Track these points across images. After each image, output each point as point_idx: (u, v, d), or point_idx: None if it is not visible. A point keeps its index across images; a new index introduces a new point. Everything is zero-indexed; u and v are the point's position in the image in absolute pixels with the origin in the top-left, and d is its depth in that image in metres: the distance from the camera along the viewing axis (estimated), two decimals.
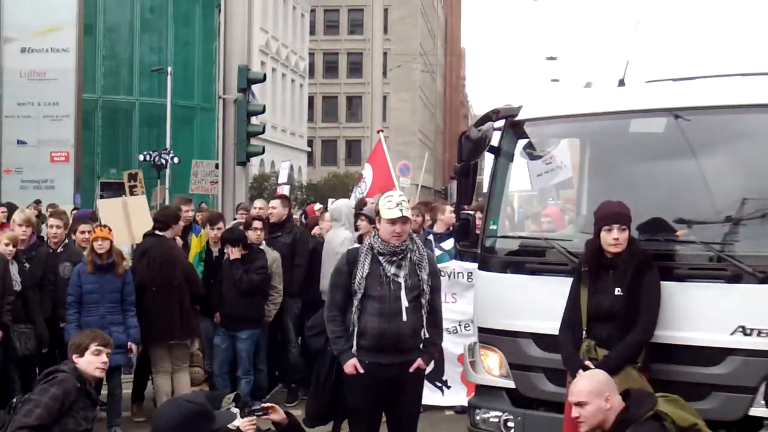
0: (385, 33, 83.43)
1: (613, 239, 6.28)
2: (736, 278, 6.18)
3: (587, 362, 6.22)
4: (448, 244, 10.65)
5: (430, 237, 10.90)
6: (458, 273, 9.77)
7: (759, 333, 6.03)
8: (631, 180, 7.15)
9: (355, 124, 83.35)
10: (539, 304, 6.88)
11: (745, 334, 6.09)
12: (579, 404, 5.37)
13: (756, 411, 6.03)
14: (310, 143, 72.63)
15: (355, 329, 7.03)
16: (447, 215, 11.05)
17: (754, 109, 6.58)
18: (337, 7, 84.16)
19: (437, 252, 10.62)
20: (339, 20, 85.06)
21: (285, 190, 22.89)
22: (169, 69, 38.09)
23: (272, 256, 10.68)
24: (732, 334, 6.13)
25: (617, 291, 6.31)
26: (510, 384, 7.10)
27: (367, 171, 15.14)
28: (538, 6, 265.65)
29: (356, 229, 10.93)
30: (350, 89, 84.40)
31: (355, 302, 7.02)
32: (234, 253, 10.29)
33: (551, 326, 6.64)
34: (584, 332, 6.38)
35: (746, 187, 6.52)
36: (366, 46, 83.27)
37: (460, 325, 9.83)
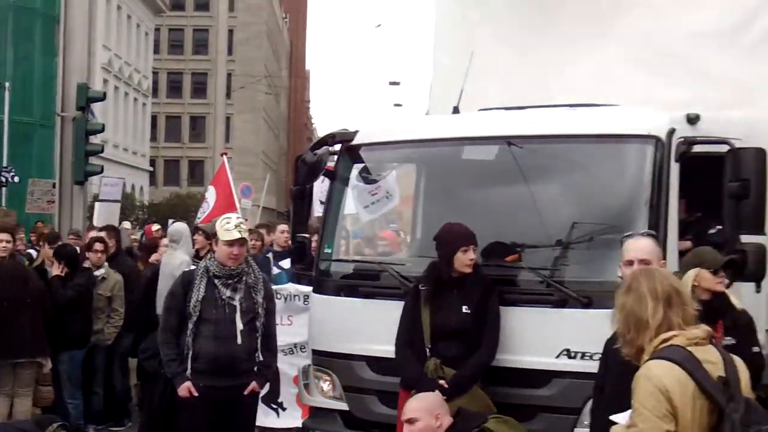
0: (229, 54, 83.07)
1: (470, 260, 6.40)
2: (561, 303, 6.37)
3: (441, 381, 6.27)
4: (287, 263, 10.67)
5: (269, 255, 10.88)
6: (294, 296, 9.77)
7: (582, 356, 6.20)
8: (465, 206, 7.29)
9: (198, 144, 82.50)
10: (373, 327, 6.94)
11: (570, 357, 6.27)
12: (410, 421, 5.44)
13: (580, 431, 6.18)
14: (152, 163, 71.43)
15: (190, 352, 6.97)
16: (277, 235, 11.12)
17: (580, 139, 6.82)
18: (182, 26, 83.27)
19: (275, 270, 10.60)
20: (184, 40, 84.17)
21: (113, 209, 22.05)
22: (7, 84, 36.81)
23: (114, 278, 10.49)
24: (557, 357, 6.30)
25: (465, 309, 6.41)
26: (343, 406, 7.13)
27: (210, 193, 15.08)
28: (382, 31, 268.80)
29: (193, 243, 10.84)
30: (194, 109, 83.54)
31: (190, 325, 6.97)
32: (56, 269, 10.04)
33: (384, 349, 6.70)
34: (428, 351, 6.43)
35: (573, 214, 6.72)
36: (210, 66, 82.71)
37: (296, 347, 9.82)
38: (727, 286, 6.15)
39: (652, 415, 3.80)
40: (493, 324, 6.40)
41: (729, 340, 5.90)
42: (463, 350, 6.39)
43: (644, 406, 3.83)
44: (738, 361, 4.03)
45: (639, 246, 5.53)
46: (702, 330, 3.99)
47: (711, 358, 3.94)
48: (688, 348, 3.91)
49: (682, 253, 6.41)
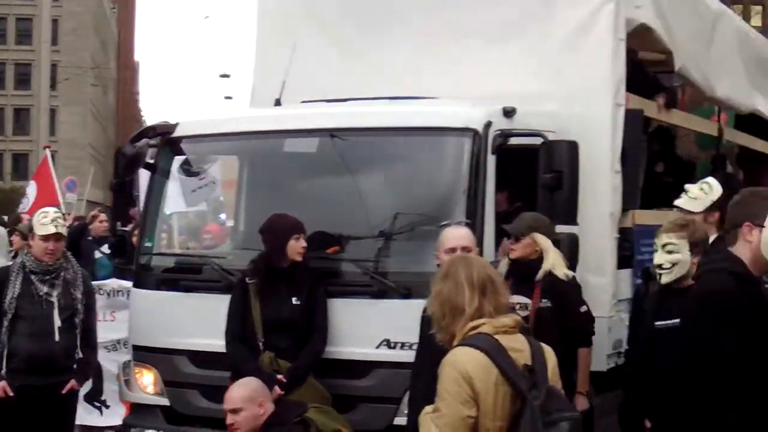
0: (54, 44, 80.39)
1: (302, 247, 6.38)
2: (381, 294, 6.44)
3: (279, 376, 6.23)
4: (106, 248, 10.53)
5: (90, 238, 10.70)
6: (117, 291, 9.58)
7: (402, 346, 6.27)
8: (287, 198, 7.26)
9: (22, 137, 79.94)
10: (194, 321, 6.87)
11: (390, 348, 6.35)
12: (234, 411, 5.42)
13: (400, 420, 6.24)
14: None
15: (5, 351, 6.75)
16: (96, 224, 10.99)
17: (400, 133, 6.91)
18: (5, 15, 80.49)
19: (97, 255, 10.41)
20: (6, 29, 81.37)
21: None
22: None
23: None
24: (378, 347, 6.37)
25: (294, 300, 6.40)
26: (165, 401, 7.03)
27: (31, 188, 14.73)
28: (211, 22, 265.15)
29: (10, 244, 10.51)
30: (18, 101, 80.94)
31: (5, 323, 6.75)
32: None
33: (206, 343, 6.66)
34: (261, 344, 6.39)
35: (393, 206, 6.77)
36: (34, 56, 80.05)
37: (119, 343, 9.62)
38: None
39: (454, 400, 3.86)
40: (322, 314, 6.42)
41: (545, 303, 6.26)
42: (295, 342, 6.39)
43: (447, 391, 3.89)
44: (546, 349, 4.13)
45: (460, 234, 5.65)
46: (511, 319, 4.08)
47: (518, 346, 4.03)
48: (496, 336, 3.98)
49: None
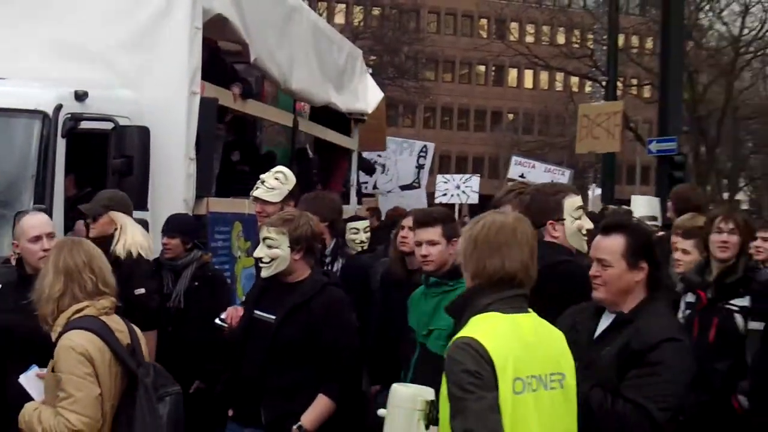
0: None
1: None
2: None
3: None
4: None
5: None
6: None
7: None
8: None
9: None
10: None
11: None
12: None
13: None
14: None
15: None
16: None
17: None
18: None
19: None
20: None
21: None
22: None
23: None
24: None
25: None
26: None
27: None
28: None
29: None
30: None
31: None
32: None
33: None
34: None
35: None
36: None
37: None
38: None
39: (85, 381, 3.97)
40: None
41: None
42: None
43: (75, 374, 3.96)
44: (137, 330, 4.35)
45: (40, 221, 5.46)
46: (109, 300, 4.21)
47: (119, 327, 4.22)
48: (101, 318, 4.13)
49: None
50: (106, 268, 4.31)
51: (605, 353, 4.01)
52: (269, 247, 5.26)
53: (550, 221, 4.71)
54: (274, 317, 5.17)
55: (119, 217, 6.20)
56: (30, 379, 4.30)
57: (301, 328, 5.04)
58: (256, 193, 6.38)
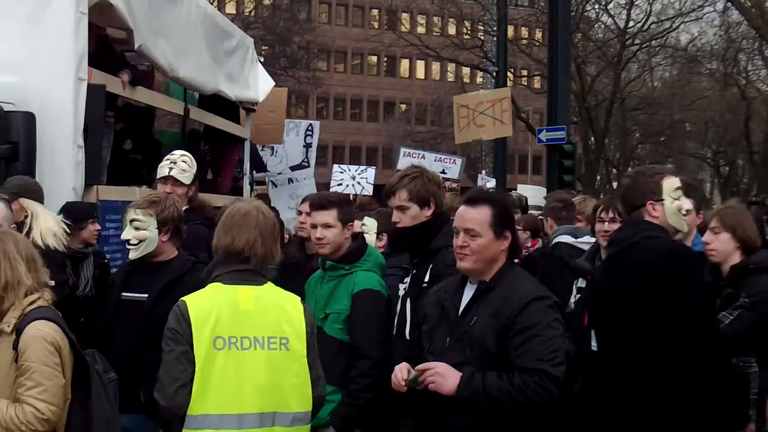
0: None
1: None
2: None
3: None
4: None
5: None
6: None
7: None
8: None
9: None
10: None
11: None
12: None
13: None
14: None
15: None
16: None
17: None
18: None
19: None
20: None
21: None
22: None
23: None
24: None
25: None
26: None
27: None
28: None
29: None
30: None
31: None
32: None
33: None
34: None
35: None
36: None
37: None
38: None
39: (54, 370, 4.04)
40: None
41: None
42: None
43: (44, 364, 4.01)
44: None
45: None
46: (50, 292, 4.30)
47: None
48: (51, 307, 4.23)
49: None
50: (39, 258, 4.36)
51: (474, 324, 4.09)
52: (137, 228, 5.31)
53: (650, 201, 4.76)
54: (145, 296, 5.13)
55: (30, 204, 5.96)
56: None
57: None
58: (172, 172, 6.39)
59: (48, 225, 5.90)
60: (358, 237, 5.49)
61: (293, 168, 16.75)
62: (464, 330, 4.11)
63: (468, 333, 4.09)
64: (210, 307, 4.08)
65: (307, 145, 16.99)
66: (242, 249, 4.15)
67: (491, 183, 18.17)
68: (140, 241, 5.31)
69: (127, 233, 5.35)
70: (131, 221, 5.34)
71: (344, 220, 5.26)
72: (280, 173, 16.55)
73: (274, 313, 4.10)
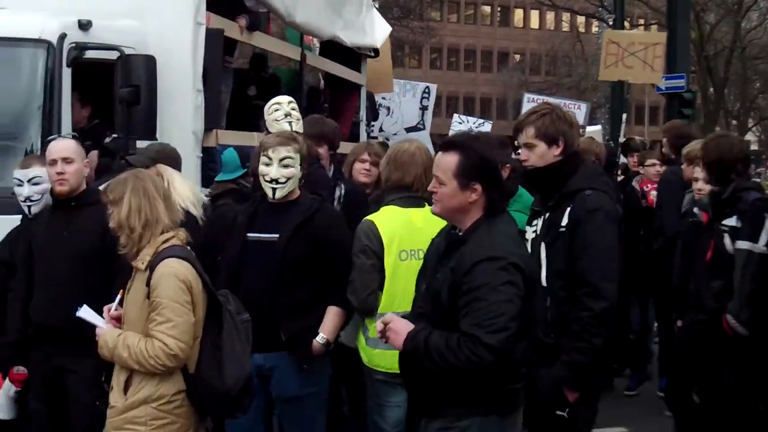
0: None
1: None
2: None
3: None
4: None
5: None
6: None
7: None
8: None
9: None
10: None
11: None
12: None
13: None
14: None
15: None
16: None
17: None
18: None
19: None
20: None
21: None
22: None
23: None
24: None
25: None
26: None
27: None
28: None
29: None
30: None
31: None
32: None
33: None
34: None
35: None
36: None
37: None
38: None
39: (183, 308, 4.11)
40: None
41: None
42: None
43: (175, 300, 4.09)
44: None
45: (62, 146, 5.31)
46: (184, 231, 4.36)
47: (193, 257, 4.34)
48: (186, 247, 4.29)
49: None
50: (173, 198, 4.55)
51: (438, 276, 3.95)
52: (285, 166, 5.19)
53: None
54: (275, 236, 5.10)
55: (166, 170, 5.73)
56: (88, 312, 4.32)
57: (308, 243, 5.09)
58: (296, 127, 6.32)
59: (184, 192, 5.72)
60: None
61: (408, 130, 16.54)
62: (431, 281, 4.01)
63: (432, 284, 3.98)
64: (395, 226, 5.12)
65: (423, 108, 16.76)
66: (412, 183, 5.21)
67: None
68: (288, 179, 5.18)
69: (276, 172, 5.17)
70: (281, 159, 5.16)
71: None
72: (395, 134, 16.35)
73: (437, 229, 4.33)
